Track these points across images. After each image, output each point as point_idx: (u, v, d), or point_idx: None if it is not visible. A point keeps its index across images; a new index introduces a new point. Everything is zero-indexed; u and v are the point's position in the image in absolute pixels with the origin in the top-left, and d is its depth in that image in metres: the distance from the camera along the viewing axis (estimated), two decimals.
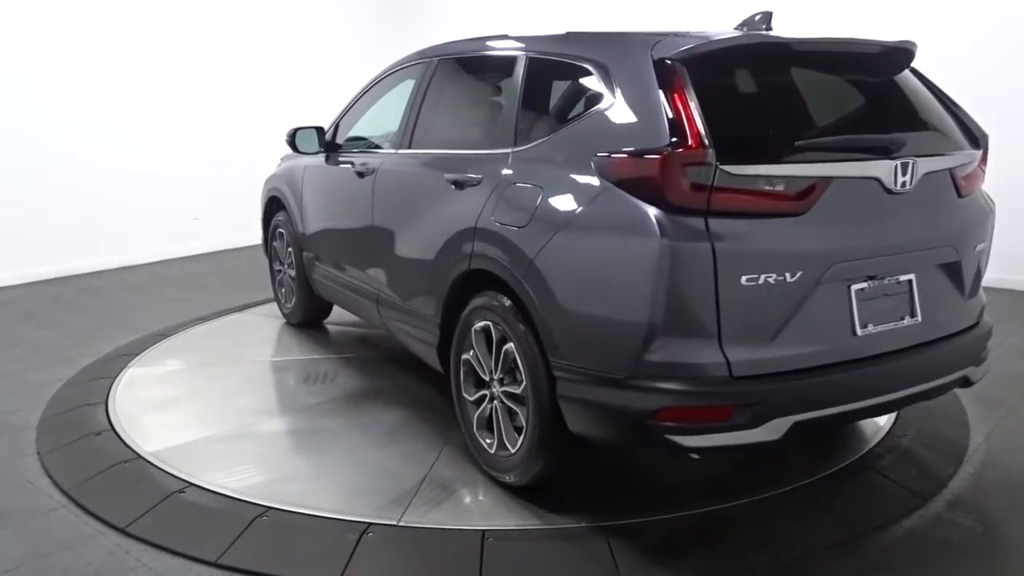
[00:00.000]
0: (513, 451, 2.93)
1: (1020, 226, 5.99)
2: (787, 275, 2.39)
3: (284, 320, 5.44)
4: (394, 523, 2.81)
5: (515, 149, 3.00)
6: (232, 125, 8.31)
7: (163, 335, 5.14)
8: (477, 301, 3.03)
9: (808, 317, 2.46)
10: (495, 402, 3.02)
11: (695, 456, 2.53)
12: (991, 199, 3.06)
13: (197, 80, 8.04)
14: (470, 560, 2.58)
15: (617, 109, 2.61)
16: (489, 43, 3.53)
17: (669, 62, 2.52)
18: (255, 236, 8.51)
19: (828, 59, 2.89)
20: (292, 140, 4.44)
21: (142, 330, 5.26)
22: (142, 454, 3.36)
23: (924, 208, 2.69)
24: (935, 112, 2.93)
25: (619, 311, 2.46)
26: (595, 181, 2.56)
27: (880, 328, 2.60)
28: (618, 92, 2.63)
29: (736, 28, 3.01)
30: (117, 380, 4.29)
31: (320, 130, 4.48)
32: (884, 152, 2.59)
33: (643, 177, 2.43)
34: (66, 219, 7.11)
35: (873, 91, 2.95)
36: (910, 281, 2.68)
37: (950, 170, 2.76)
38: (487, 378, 3.05)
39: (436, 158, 3.54)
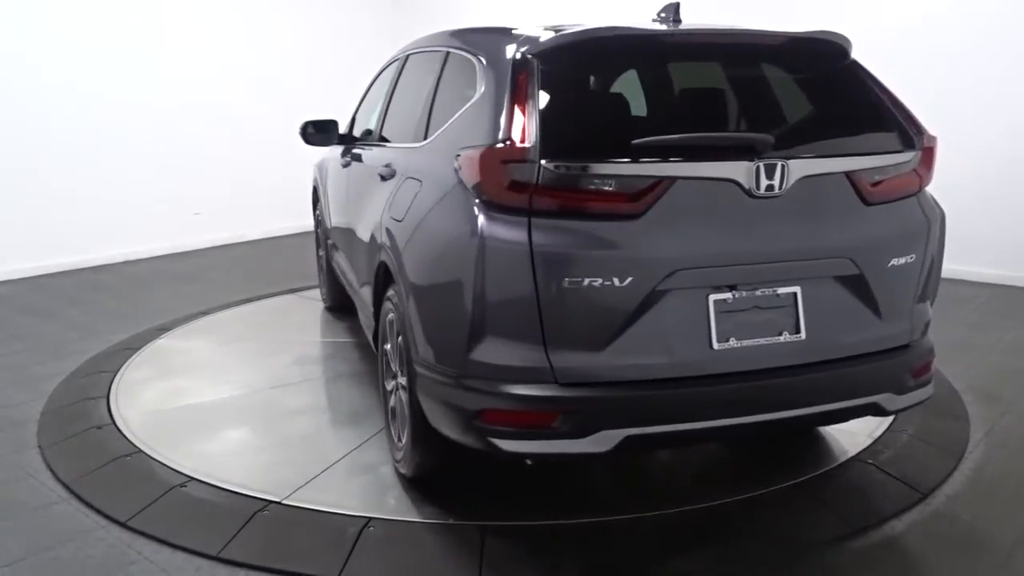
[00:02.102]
0: (403, 442, 2.97)
1: (1018, 223, 5.99)
2: (615, 280, 2.25)
3: (324, 305, 5.68)
4: (279, 500, 2.91)
5: (422, 143, 3.03)
6: (234, 120, 8.30)
7: (164, 329, 5.15)
8: (389, 292, 3.04)
9: (653, 326, 2.31)
10: (398, 392, 3.04)
11: (528, 462, 2.42)
12: (935, 205, 2.74)
13: (200, 75, 8.03)
14: (471, 556, 2.59)
15: (479, 105, 2.59)
16: (434, 39, 3.56)
17: (525, 57, 2.49)
18: (257, 231, 8.58)
19: (713, 52, 2.77)
20: (304, 133, 4.45)
21: (144, 324, 5.27)
22: (142, 447, 3.38)
23: (807, 215, 2.44)
24: (848, 111, 2.71)
25: (450, 309, 2.43)
26: (451, 178, 2.54)
27: (747, 343, 2.39)
28: (485, 87, 2.61)
29: (653, 19, 2.91)
30: (119, 374, 4.30)
31: (332, 123, 4.48)
32: (747, 152, 2.36)
33: (472, 175, 2.41)
34: (69, 214, 7.12)
35: (760, 87, 2.82)
36: (794, 294, 2.44)
37: (848, 174, 2.48)
38: (395, 369, 3.07)
39: (380, 152, 3.66)
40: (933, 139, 2.68)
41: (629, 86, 2.71)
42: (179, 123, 7.91)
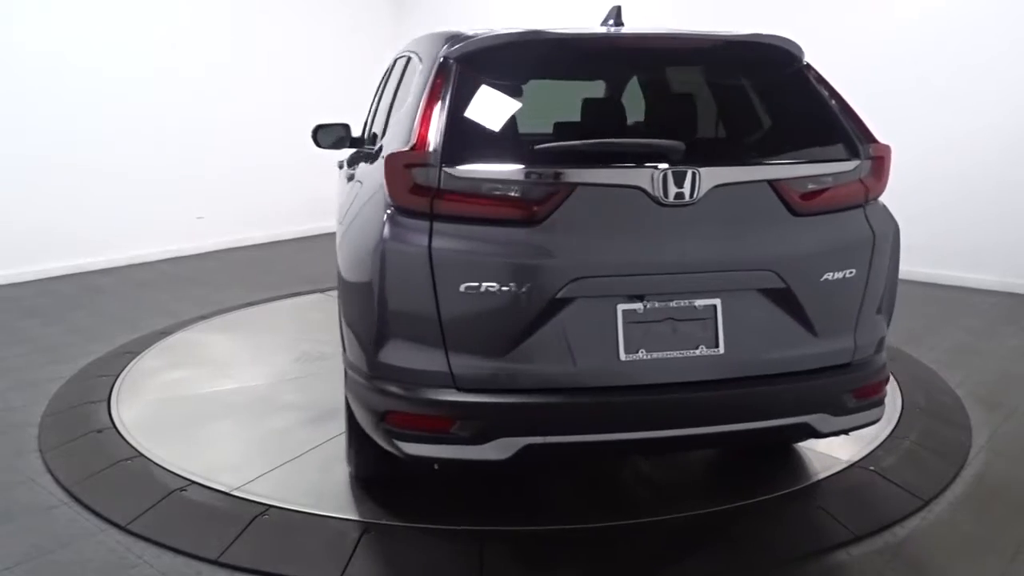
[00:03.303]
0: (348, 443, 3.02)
1: (1020, 230, 5.99)
2: (513, 286, 2.23)
3: None
4: (225, 490, 3.02)
5: (376, 146, 3.07)
6: (236, 124, 8.32)
7: (166, 332, 5.16)
8: None
9: (557, 334, 2.27)
10: None
11: (436, 467, 2.49)
12: (887, 218, 2.59)
13: (202, 79, 8.05)
14: (471, 562, 2.59)
15: (407, 109, 2.61)
16: (408, 43, 3.57)
17: (445, 61, 2.50)
18: (260, 234, 8.60)
19: (643, 56, 2.72)
20: (314, 136, 4.45)
21: (146, 327, 5.27)
22: (142, 451, 3.38)
23: (726, 225, 2.35)
24: (788, 118, 2.63)
25: (362, 310, 2.45)
26: (378, 181, 2.55)
27: (658, 355, 2.31)
28: (414, 91, 2.63)
29: (601, 23, 2.88)
30: (120, 377, 4.31)
31: (344, 127, 4.48)
32: (657, 159, 2.30)
33: (383, 178, 2.42)
34: (71, 217, 7.13)
35: (691, 92, 2.75)
36: (713, 307, 2.35)
37: (772, 183, 2.37)
38: None
39: (355, 154, 3.73)
40: (884, 148, 2.56)
41: (530, 89, 2.70)
42: (182, 127, 7.93)
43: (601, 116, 2.76)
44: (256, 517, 2.83)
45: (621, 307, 2.30)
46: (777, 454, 3.30)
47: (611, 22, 2.91)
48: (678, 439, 2.43)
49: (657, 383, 2.33)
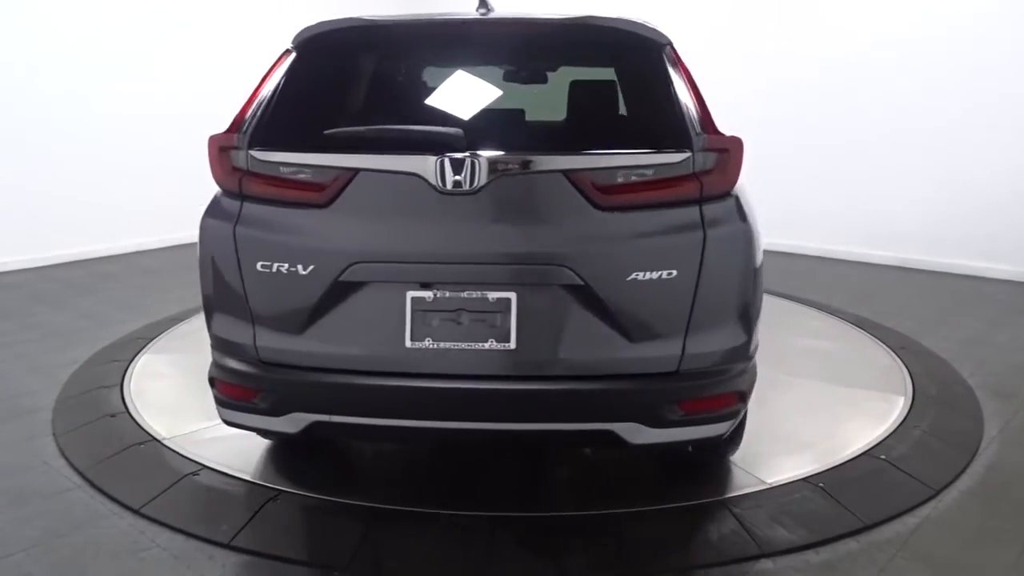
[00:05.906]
0: None
1: None
2: (299, 267, 2.32)
3: None
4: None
5: None
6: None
7: (177, 319, 5.17)
8: None
9: (349, 316, 2.33)
10: None
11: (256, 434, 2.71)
12: (736, 219, 2.34)
13: (208, 66, 8.05)
14: (479, 546, 2.60)
15: None
16: None
17: (288, 48, 2.58)
18: None
19: (463, 42, 2.73)
20: None
21: (156, 314, 5.30)
22: (155, 435, 3.40)
23: (515, 216, 2.28)
24: (614, 105, 2.57)
25: (200, 285, 2.58)
26: None
27: (445, 346, 2.29)
28: None
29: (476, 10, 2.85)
30: (133, 362, 4.33)
31: None
32: (442, 147, 2.25)
33: None
34: (81, 203, 7.16)
35: (504, 77, 2.76)
36: (508, 301, 2.28)
37: (567, 173, 2.25)
38: None
39: None
40: (729, 141, 2.33)
41: (338, 77, 2.71)
42: (191, 113, 7.93)
43: (414, 103, 2.78)
44: (267, 501, 2.85)
45: (410, 294, 2.32)
46: (784, 443, 3.29)
47: (481, 9, 2.85)
48: (467, 432, 2.47)
49: (441, 373, 2.32)
